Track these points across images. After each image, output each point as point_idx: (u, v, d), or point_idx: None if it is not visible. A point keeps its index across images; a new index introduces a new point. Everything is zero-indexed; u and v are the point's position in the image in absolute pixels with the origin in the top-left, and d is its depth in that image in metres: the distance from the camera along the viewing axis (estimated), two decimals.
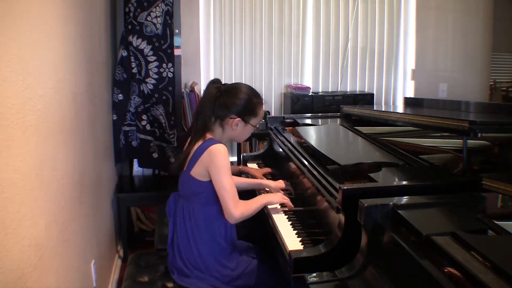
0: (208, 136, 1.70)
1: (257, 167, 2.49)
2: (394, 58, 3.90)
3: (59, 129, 1.41)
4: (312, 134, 2.19)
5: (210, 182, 1.66)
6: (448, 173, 1.51)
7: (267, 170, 2.33)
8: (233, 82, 1.84)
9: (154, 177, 3.13)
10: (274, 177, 2.29)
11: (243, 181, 2.07)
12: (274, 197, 1.82)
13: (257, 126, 1.80)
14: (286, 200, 1.81)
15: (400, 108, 2.82)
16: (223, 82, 1.80)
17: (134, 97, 2.81)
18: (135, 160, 3.06)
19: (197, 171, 1.67)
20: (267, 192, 2.00)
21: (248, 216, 1.72)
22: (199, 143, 1.68)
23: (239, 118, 1.71)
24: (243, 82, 1.93)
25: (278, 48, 3.70)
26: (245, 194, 1.99)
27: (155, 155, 2.90)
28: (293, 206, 1.80)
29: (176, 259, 1.72)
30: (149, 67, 2.81)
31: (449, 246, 0.94)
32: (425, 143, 1.94)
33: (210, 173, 1.65)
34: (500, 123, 1.55)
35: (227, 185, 1.64)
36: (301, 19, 3.72)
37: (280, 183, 1.99)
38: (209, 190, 1.67)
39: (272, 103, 3.75)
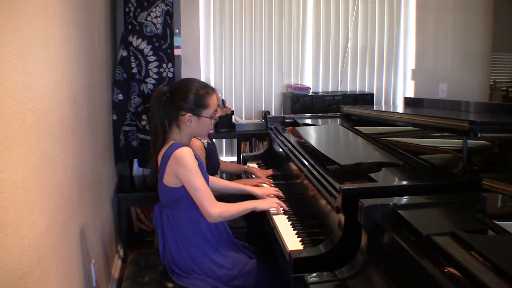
0: (170, 141, 1.69)
1: (257, 167, 2.49)
2: (394, 58, 3.90)
3: (59, 129, 1.41)
4: (312, 134, 2.20)
5: (184, 186, 1.66)
6: (448, 173, 1.51)
7: (270, 172, 2.34)
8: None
9: None
10: (274, 177, 2.29)
11: (229, 185, 2.04)
12: (263, 203, 1.78)
13: (214, 117, 1.75)
14: (276, 206, 1.78)
15: (400, 108, 2.82)
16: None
17: (134, 97, 2.81)
18: (135, 160, 3.06)
19: (169, 179, 1.66)
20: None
21: (228, 217, 1.71)
22: (163, 150, 1.67)
23: (189, 114, 1.68)
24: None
25: (278, 48, 3.70)
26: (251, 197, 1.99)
27: None
28: (286, 207, 1.79)
29: (172, 268, 1.71)
30: (149, 67, 2.81)
31: (449, 246, 0.94)
32: (425, 143, 1.94)
33: (180, 177, 1.63)
34: (500, 123, 1.55)
35: (199, 186, 1.63)
36: (301, 19, 3.72)
37: (268, 190, 1.97)
38: (187, 194, 1.66)
39: (272, 103, 3.75)
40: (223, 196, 1.94)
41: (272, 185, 2.13)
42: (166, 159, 1.64)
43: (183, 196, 1.67)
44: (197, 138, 2.03)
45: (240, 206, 1.73)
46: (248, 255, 1.77)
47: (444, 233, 1.00)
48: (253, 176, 2.34)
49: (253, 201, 1.82)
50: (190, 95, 1.68)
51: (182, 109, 1.68)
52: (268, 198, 1.87)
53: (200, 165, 1.68)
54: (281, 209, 1.79)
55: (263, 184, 2.12)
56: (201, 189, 1.63)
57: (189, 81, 1.74)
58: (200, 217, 1.69)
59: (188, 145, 1.72)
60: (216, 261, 1.69)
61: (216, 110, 1.75)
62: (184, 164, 1.62)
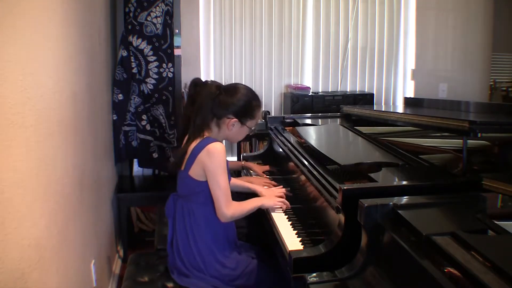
0: (206, 134, 1.70)
1: (254, 163, 2.49)
2: (394, 58, 3.90)
3: (59, 129, 1.41)
4: (312, 134, 2.20)
5: (208, 180, 1.66)
6: (448, 173, 1.51)
7: (266, 168, 2.36)
8: (228, 82, 1.85)
9: (154, 177, 3.13)
10: (274, 176, 2.29)
11: (236, 182, 2.04)
12: (268, 201, 1.80)
13: (253, 128, 1.80)
14: (280, 204, 1.79)
15: (400, 108, 2.82)
16: (223, 82, 1.80)
17: (134, 97, 2.81)
18: (135, 160, 3.06)
19: (195, 171, 1.66)
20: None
21: (239, 217, 1.72)
22: (197, 141, 1.68)
23: (236, 119, 1.72)
24: (243, 83, 1.93)
25: (278, 48, 3.70)
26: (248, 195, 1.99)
27: (155, 155, 2.90)
28: (289, 205, 1.80)
29: (176, 259, 1.72)
30: (149, 67, 2.81)
31: (449, 246, 0.94)
32: (425, 143, 1.94)
33: (206, 171, 1.64)
34: (500, 123, 1.55)
35: (222, 185, 1.64)
36: (301, 19, 3.72)
37: (273, 191, 1.93)
38: (207, 190, 1.67)
39: (272, 103, 3.75)
40: None
41: (277, 185, 2.13)
42: (198, 150, 1.64)
43: (203, 190, 1.67)
44: None
45: (249, 205, 1.75)
46: (250, 255, 1.77)
47: (444, 233, 1.00)
48: (251, 171, 2.36)
49: (260, 198, 1.83)
50: (242, 102, 1.72)
51: (231, 112, 1.71)
52: (273, 195, 1.87)
53: (226, 165, 1.69)
54: (284, 207, 1.79)
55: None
56: (223, 188, 1.65)
57: (244, 88, 1.77)
58: (215, 214, 1.69)
59: (222, 142, 1.73)
60: (221, 260, 1.69)
61: (257, 124, 1.80)
62: (214, 159, 1.62)
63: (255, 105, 1.76)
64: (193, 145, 1.68)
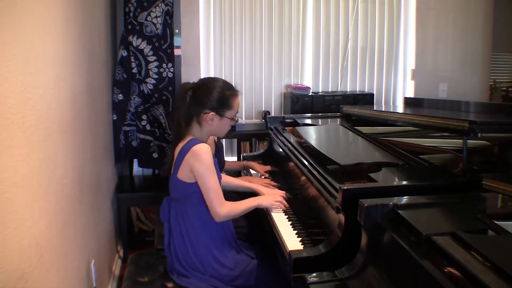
0: (189, 136, 1.70)
1: (255, 162, 2.49)
2: (394, 58, 3.90)
3: (59, 129, 1.41)
4: (312, 134, 2.20)
5: (197, 182, 1.66)
6: (448, 173, 1.51)
7: (268, 167, 2.36)
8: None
9: (154, 177, 3.13)
10: (274, 176, 2.29)
11: (236, 182, 2.05)
12: (265, 200, 1.80)
13: (235, 118, 1.79)
14: (278, 204, 1.79)
15: (400, 108, 2.82)
16: None
17: (134, 97, 2.80)
18: (135, 160, 3.06)
19: (184, 174, 1.66)
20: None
21: (235, 216, 1.73)
22: (181, 144, 1.68)
23: (213, 112, 1.71)
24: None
25: (278, 48, 3.69)
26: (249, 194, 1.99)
27: (155, 155, 2.90)
28: (287, 205, 1.79)
29: (174, 262, 1.72)
30: (149, 67, 2.81)
31: (449, 246, 0.94)
32: (425, 143, 1.94)
33: (194, 173, 1.64)
34: (500, 123, 1.55)
35: (213, 185, 1.64)
36: (301, 19, 3.72)
37: (274, 191, 1.95)
38: (199, 191, 1.67)
39: (272, 103, 3.75)
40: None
41: (277, 185, 2.13)
42: (184, 153, 1.65)
43: (195, 192, 1.67)
44: None
45: (245, 204, 1.75)
46: (249, 255, 1.77)
47: (444, 233, 1.00)
48: (252, 171, 2.36)
49: (257, 197, 1.83)
50: (216, 94, 1.71)
51: (206, 107, 1.70)
52: (272, 195, 1.87)
53: (214, 163, 1.69)
54: (282, 207, 1.79)
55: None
56: (213, 188, 1.65)
57: (216, 80, 1.77)
58: (209, 214, 1.69)
59: (207, 142, 1.73)
60: (219, 260, 1.69)
61: (237, 112, 1.78)
62: (201, 160, 1.62)
63: (229, 95, 1.74)
64: (178, 148, 1.69)
